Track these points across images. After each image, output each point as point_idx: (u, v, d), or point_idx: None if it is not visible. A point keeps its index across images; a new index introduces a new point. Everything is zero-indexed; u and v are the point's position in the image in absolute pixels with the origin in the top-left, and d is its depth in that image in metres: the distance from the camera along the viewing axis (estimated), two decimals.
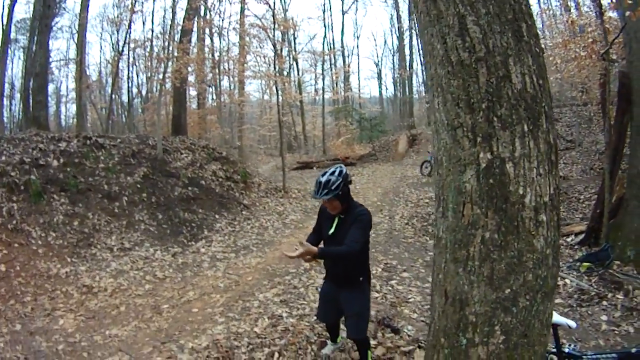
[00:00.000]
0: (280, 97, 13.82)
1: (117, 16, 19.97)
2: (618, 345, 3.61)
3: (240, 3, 14.86)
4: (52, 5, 13.41)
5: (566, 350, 2.48)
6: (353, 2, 32.78)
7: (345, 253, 2.70)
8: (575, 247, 6.20)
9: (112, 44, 24.54)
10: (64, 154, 8.33)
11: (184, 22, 13.14)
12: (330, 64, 30.85)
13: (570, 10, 14.78)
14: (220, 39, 22.95)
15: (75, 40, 17.75)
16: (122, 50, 18.73)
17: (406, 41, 30.38)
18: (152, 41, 18.94)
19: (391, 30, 37.31)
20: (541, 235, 1.71)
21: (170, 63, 12.26)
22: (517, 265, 1.69)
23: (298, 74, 27.52)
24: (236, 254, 7.19)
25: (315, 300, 4.82)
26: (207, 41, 20.78)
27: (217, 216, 9.29)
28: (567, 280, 4.96)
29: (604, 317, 4.10)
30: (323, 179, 2.78)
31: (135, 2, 14.39)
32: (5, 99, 17.42)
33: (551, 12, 17.74)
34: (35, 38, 12.70)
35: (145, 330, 4.46)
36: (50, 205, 7.15)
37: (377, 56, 55.06)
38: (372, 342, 3.54)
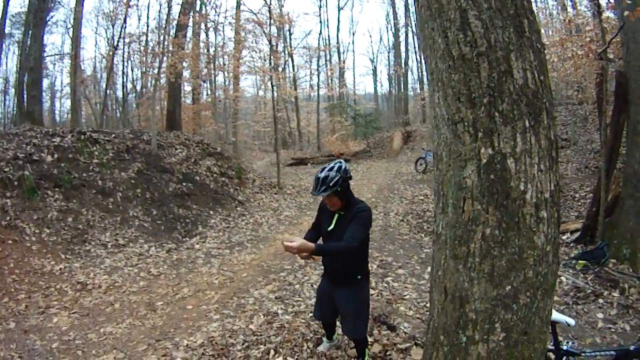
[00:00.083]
0: (275, 93, 13.74)
1: (113, 10, 19.78)
2: (614, 343, 3.62)
3: None
4: None
5: (564, 347, 2.47)
6: None
7: (344, 250, 2.61)
8: (571, 245, 6.22)
9: (107, 39, 24.34)
10: (58, 149, 8.23)
11: (179, 16, 13.05)
12: (326, 60, 30.78)
13: (566, 10, 14.83)
14: (215, 34, 22.87)
15: (70, 34, 17.61)
16: (117, 45, 18.59)
17: (402, 38, 30.46)
18: (147, 35, 18.79)
19: (387, 27, 37.38)
20: (542, 231, 1.70)
21: (165, 58, 12.16)
22: (517, 262, 1.67)
23: (293, 69, 27.44)
24: (231, 250, 7.15)
25: (311, 297, 4.79)
26: (202, 36, 20.67)
27: (211, 212, 9.24)
28: (563, 278, 4.97)
29: (600, 315, 4.11)
30: (321, 175, 2.72)
31: None
32: None
33: (547, 11, 17.76)
34: (30, 32, 12.57)
35: (139, 328, 4.42)
36: (44, 201, 7.07)
37: (373, 53, 55.07)
38: (369, 339, 3.52)
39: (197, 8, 15.70)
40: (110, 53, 19.61)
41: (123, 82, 24.19)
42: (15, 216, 6.46)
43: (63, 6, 19.08)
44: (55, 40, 48.90)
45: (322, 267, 5.18)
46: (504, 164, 1.65)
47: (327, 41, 30.59)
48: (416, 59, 30.42)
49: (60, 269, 5.88)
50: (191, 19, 14.53)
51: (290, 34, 27.56)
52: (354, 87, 34.24)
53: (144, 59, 17.59)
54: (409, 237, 7.51)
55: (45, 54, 17.66)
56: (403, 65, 29.75)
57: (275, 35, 15.16)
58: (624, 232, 5.37)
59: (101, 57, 25.49)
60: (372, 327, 3.86)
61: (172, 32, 13.20)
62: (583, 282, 4.85)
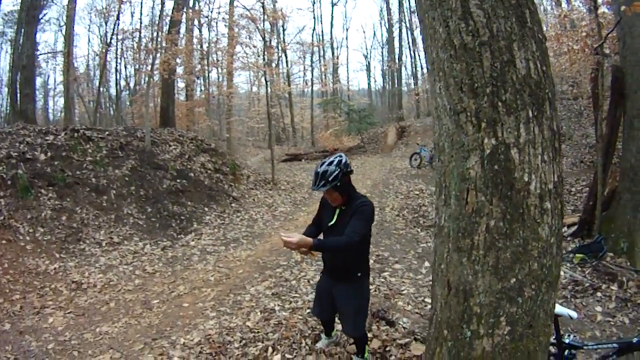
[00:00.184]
0: (269, 89, 13.67)
1: (106, 7, 19.61)
2: (614, 336, 3.62)
3: None
4: None
5: (566, 341, 2.45)
6: None
7: (344, 245, 2.54)
8: (568, 238, 6.23)
9: (100, 36, 24.12)
10: (51, 148, 8.14)
11: (172, 12, 12.94)
12: (319, 56, 30.73)
13: (561, 5, 14.85)
14: (209, 30, 22.72)
15: (63, 32, 17.42)
16: (110, 42, 18.41)
17: (395, 33, 30.43)
18: (140, 32, 18.63)
19: (380, 23, 37.33)
20: (546, 223, 1.67)
21: (158, 54, 12.05)
22: (522, 254, 1.64)
23: (287, 65, 27.34)
24: (226, 247, 7.11)
25: (308, 293, 4.77)
26: (196, 32, 20.53)
27: (206, 209, 9.18)
28: (561, 272, 4.96)
29: (599, 308, 4.11)
30: (320, 170, 2.64)
31: None
32: None
33: (542, 7, 17.79)
34: (23, 30, 12.43)
35: (135, 327, 4.38)
36: (37, 200, 6.99)
37: (366, 48, 54.99)
38: (368, 335, 3.49)
39: (191, 4, 15.58)
40: (104, 50, 19.45)
41: (116, 79, 24.08)
42: (9, 215, 6.37)
43: (56, 4, 18.88)
44: (48, 38, 48.56)
45: (319, 263, 5.13)
46: (508, 155, 1.62)
47: (321, 37, 30.54)
48: (410, 54, 30.62)
49: (55, 268, 5.82)
50: (184, 15, 14.41)
51: (283, 30, 27.45)
52: (348, 82, 34.30)
53: (137, 55, 17.45)
54: (405, 231, 7.50)
55: (38, 52, 17.50)
56: (397, 61, 29.73)
57: (269, 30, 15.03)
58: (621, 226, 5.37)
59: (94, 54, 25.28)
60: (370, 322, 3.83)
61: (166, 28, 13.07)
62: (581, 275, 4.85)
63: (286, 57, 27.33)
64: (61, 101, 23.54)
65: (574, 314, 2.39)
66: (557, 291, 1.83)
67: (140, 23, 21.22)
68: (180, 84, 20.08)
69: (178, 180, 9.45)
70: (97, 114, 17.94)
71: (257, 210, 9.70)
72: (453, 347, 1.77)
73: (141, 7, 23.89)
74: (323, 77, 30.46)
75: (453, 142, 1.73)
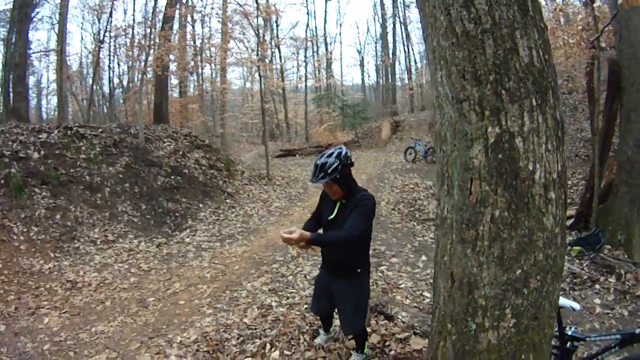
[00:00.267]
0: (262, 85, 13.56)
1: (99, 4, 19.39)
2: (613, 328, 3.61)
3: None
4: None
5: (569, 333, 2.43)
6: None
7: (343, 239, 2.46)
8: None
9: (93, 34, 23.86)
10: (44, 146, 8.05)
11: (166, 8, 12.79)
12: (313, 52, 30.59)
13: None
14: (202, 26, 22.55)
15: (56, 30, 17.23)
16: (103, 39, 18.25)
17: (389, 28, 30.31)
18: (133, 28, 18.44)
19: (374, 18, 37.24)
20: (550, 213, 1.64)
21: (151, 51, 11.94)
22: (527, 245, 1.61)
23: (280, 61, 27.20)
24: (221, 243, 7.06)
25: (305, 288, 4.74)
26: (189, 28, 20.37)
27: (200, 205, 9.12)
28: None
29: (598, 301, 4.11)
30: (319, 162, 2.58)
31: None
32: None
33: None
34: (15, 28, 12.27)
35: (131, 325, 4.33)
36: (31, 199, 6.91)
37: (360, 44, 54.85)
38: (367, 330, 3.46)
39: (184, 0, 15.42)
40: (96, 48, 19.25)
41: (109, 77, 23.86)
42: (3, 215, 6.30)
43: (48, 2, 18.61)
44: (40, 37, 47.97)
45: (315, 258, 5.09)
46: (512, 143, 1.59)
47: (315, 32, 30.38)
48: (404, 49, 30.45)
49: (50, 268, 5.76)
50: (177, 11, 14.28)
51: (277, 26, 27.31)
52: (342, 78, 34.18)
53: (131, 53, 17.29)
54: (401, 225, 7.48)
55: (30, 51, 17.30)
56: (390, 56, 29.66)
57: (263, 26, 14.91)
58: (619, 218, 5.39)
59: (87, 52, 25.03)
60: (369, 317, 3.80)
61: (159, 25, 12.95)
62: (579, 268, 4.85)
63: (280, 52, 27.21)
64: (54, 100, 23.30)
65: (576, 306, 2.37)
66: (561, 282, 1.80)
67: (134, 19, 21.02)
68: (174, 81, 19.95)
69: (172, 177, 9.37)
70: (90, 111, 17.79)
71: (252, 205, 9.65)
72: (458, 340, 1.74)
73: (134, 3, 23.62)
74: (317, 72, 30.35)
75: (456, 131, 1.70)
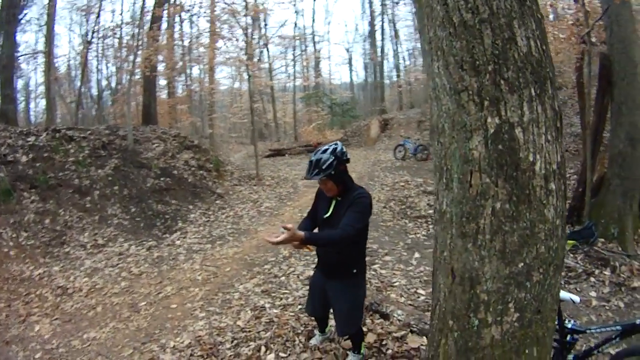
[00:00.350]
0: (251, 84, 13.46)
1: (86, 4, 19.14)
2: (610, 320, 3.61)
3: None
4: None
5: (569, 326, 2.41)
6: None
7: (338, 238, 2.37)
8: None
9: (81, 35, 23.55)
10: (33, 149, 7.91)
11: (154, 8, 12.66)
12: (301, 51, 30.48)
13: None
14: (190, 26, 22.35)
15: (44, 32, 16.94)
16: (91, 40, 18.01)
17: (378, 26, 30.31)
18: (121, 28, 18.25)
19: (362, 16, 37.26)
20: (551, 204, 1.62)
21: (139, 52, 11.79)
22: (529, 237, 1.58)
23: (269, 60, 27.05)
24: (212, 245, 6.96)
25: (298, 289, 4.67)
26: (177, 28, 20.19)
27: (190, 206, 9.00)
28: None
29: (593, 294, 4.11)
30: (314, 158, 2.52)
31: None
32: None
33: None
34: (3, 29, 12.06)
35: (124, 331, 4.26)
36: (20, 204, 6.79)
37: (348, 42, 54.83)
38: (363, 330, 3.41)
39: (172, 0, 15.27)
40: (84, 49, 19.01)
41: (98, 79, 23.60)
42: None
43: (36, 3, 18.36)
44: (28, 39, 47.20)
45: (308, 257, 5.01)
46: (512, 134, 1.56)
47: (303, 31, 30.28)
48: (392, 47, 30.50)
49: (40, 273, 5.65)
50: (165, 11, 14.15)
51: (265, 25, 27.14)
52: (330, 76, 34.12)
53: (119, 53, 17.10)
54: (393, 223, 7.44)
55: (18, 54, 17.00)
56: (379, 54, 29.69)
57: (251, 24, 14.81)
58: (611, 212, 5.42)
59: (75, 54, 24.70)
60: (364, 316, 3.76)
61: (147, 25, 12.80)
62: (573, 261, 4.86)
63: (268, 51, 27.08)
64: (43, 103, 22.95)
65: (576, 298, 2.35)
66: (561, 275, 1.77)
67: (122, 20, 20.78)
68: (162, 82, 19.77)
69: (162, 179, 9.25)
70: (78, 114, 17.54)
71: (242, 206, 9.55)
72: (460, 337, 1.69)
73: (122, 3, 23.38)
74: (305, 71, 30.23)
75: (454, 122, 1.66)
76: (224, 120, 26.96)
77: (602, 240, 5.26)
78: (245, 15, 13.16)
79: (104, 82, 24.38)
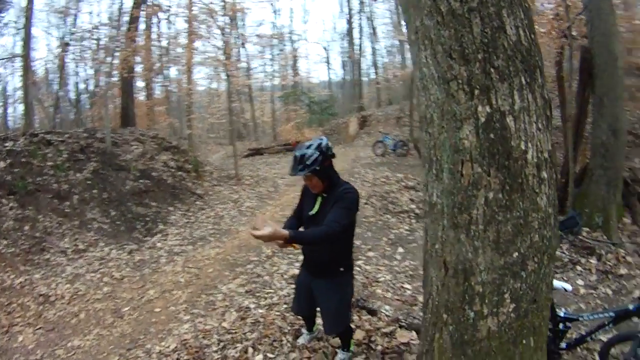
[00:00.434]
0: (229, 84, 13.30)
1: (64, 5, 18.68)
2: (599, 307, 3.65)
3: None
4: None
5: (561, 314, 2.40)
6: None
7: (324, 235, 2.30)
8: None
9: (59, 38, 22.95)
10: (10, 154, 7.68)
11: (132, 9, 12.41)
12: (279, 50, 30.29)
13: None
14: (168, 26, 21.98)
15: (21, 35, 16.44)
16: (69, 43, 17.56)
17: (355, 24, 30.33)
18: (99, 29, 17.84)
19: (340, 14, 37.18)
20: (544, 193, 1.60)
21: (117, 53, 11.56)
22: (523, 227, 1.56)
23: (247, 59, 26.82)
24: (194, 246, 6.85)
25: (282, 288, 4.62)
26: (154, 28, 19.84)
27: (170, 208, 8.84)
28: None
29: (581, 282, 4.15)
30: (299, 153, 2.45)
31: None
32: None
33: None
34: None
35: (108, 338, 4.15)
36: None
37: (326, 41, 54.72)
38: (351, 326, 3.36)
39: (149, 2, 14.98)
40: (62, 52, 18.55)
41: (76, 82, 23.05)
42: None
43: (13, 6, 17.76)
44: (5, 42, 45.75)
45: (291, 256, 4.94)
46: (504, 122, 1.53)
47: (281, 30, 30.09)
48: (370, 45, 30.56)
49: (21, 282, 5.45)
50: (143, 12, 13.89)
51: (243, 24, 26.88)
52: (308, 75, 33.92)
53: (96, 55, 16.71)
54: (375, 219, 7.42)
55: None
56: (357, 51, 29.73)
57: (229, 23, 14.57)
58: (595, 201, 5.49)
59: (53, 57, 24.06)
60: (352, 313, 3.71)
61: (124, 26, 12.57)
62: (559, 251, 4.91)
63: (246, 50, 26.85)
64: (21, 107, 22.32)
65: (568, 287, 2.36)
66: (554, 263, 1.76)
67: (99, 22, 20.32)
68: (140, 84, 19.49)
69: (141, 181, 9.07)
70: (56, 117, 17.11)
71: (222, 206, 9.43)
72: (455, 330, 1.66)
73: (99, 5, 22.89)
74: (283, 70, 30.06)
75: (443, 112, 1.63)
76: (202, 121, 26.59)
77: (587, 229, 5.33)
78: (223, 15, 12.99)
79: (81, 85, 23.86)
